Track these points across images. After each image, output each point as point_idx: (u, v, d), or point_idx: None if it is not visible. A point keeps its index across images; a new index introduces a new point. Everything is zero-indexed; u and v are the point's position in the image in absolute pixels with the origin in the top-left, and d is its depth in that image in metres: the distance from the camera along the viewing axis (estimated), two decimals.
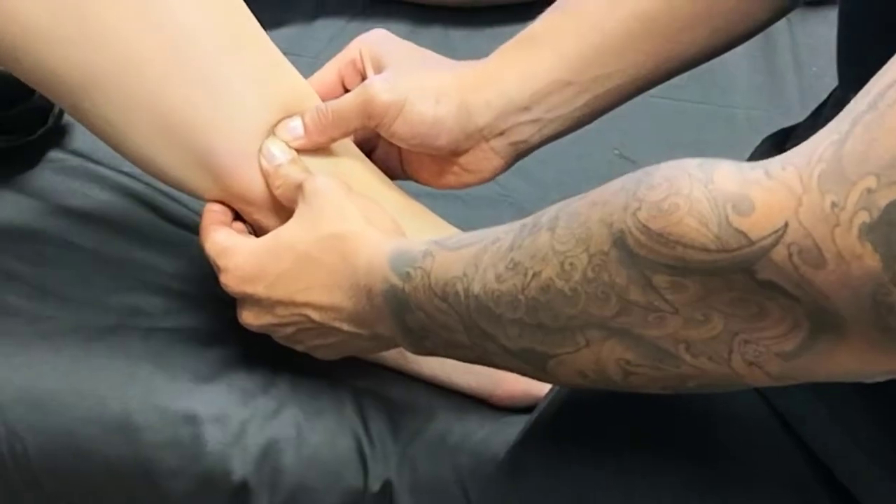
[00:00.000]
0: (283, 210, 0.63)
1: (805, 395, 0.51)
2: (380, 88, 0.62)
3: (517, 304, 0.45)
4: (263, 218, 0.65)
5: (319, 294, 0.57)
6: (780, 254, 0.36)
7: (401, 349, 0.69)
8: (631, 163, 0.84)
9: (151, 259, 0.76)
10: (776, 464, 0.52)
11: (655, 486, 0.51)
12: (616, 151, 0.86)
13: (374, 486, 0.67)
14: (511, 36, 0.66)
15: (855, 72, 0.56)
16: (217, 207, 0.65)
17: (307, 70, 0.68)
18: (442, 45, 0.99)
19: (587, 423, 0.54)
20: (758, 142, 0.75)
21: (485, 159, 0.66)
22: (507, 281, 0.46)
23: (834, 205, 0.35)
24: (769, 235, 0.37)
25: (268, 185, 0.63)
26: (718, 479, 0.51)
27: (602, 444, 0.53)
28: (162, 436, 0.67)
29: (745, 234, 0.37)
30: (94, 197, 0.79)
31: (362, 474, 0.68)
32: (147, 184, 0.80)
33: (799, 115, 0.77)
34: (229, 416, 0.68)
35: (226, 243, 0.62)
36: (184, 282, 0.75)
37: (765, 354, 0.40)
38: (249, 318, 0.61)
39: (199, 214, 0.79)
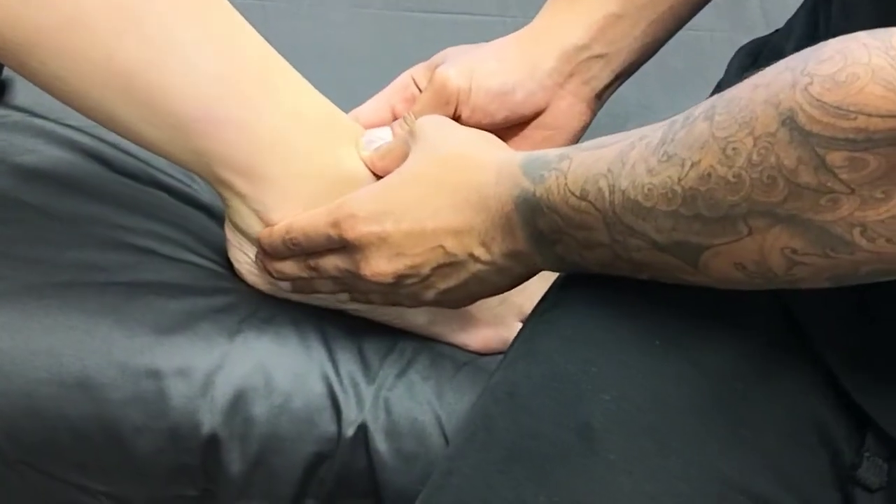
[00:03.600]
0: (262, 175, 0.61)
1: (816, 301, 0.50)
2: (445, 70, 0.65)
3: (672, 195, 0.44)
4: (241, 183, 0.62)
5: (448, 215, 0.55)
6: None
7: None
8: None
9: (103, 213, 0.73)
10: (787, 373, 0.51)
11: (656, 404, 0.50)
12: None
13: (349, 430, 0.66)
14: None
15: None
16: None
17: (257, 17, 0.66)
18: None
19: (570, 345, 0.52)
20: (725, 63, 0.74)
21: (568, 109, 0.67)
22: (660, 174, 0.44)
23: None
24: None
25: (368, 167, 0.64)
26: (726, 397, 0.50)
27: (588, 368, 0.51)
28: (124, 392, 0.65)
29: None
30: (40, 152, 0.76)
31: (336, 420, 0.66)
32: (95, 136, 0.77)
33: (763, 33, 0.76)
34: (194, 368, 0.66)
35: (332, 204, 0.59)
36: (138, 235, 0.72)
37: None
38: (381, 264, 0.57)
39: (151, 165, 0.77)
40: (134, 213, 0.74)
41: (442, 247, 0.56)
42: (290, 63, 0.65)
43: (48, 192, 0.73)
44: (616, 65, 0.67)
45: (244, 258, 0.68)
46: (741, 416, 0.49)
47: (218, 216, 0.75)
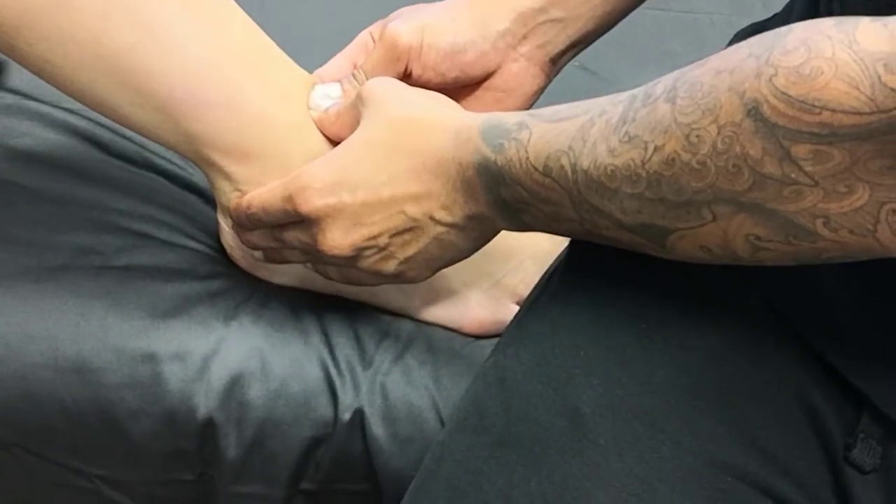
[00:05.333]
0: (250, 155, 0.61)
1: (796, 283, 0.50)
2: (396, 27, 0.63)
3: (637, 178, 0.43)
4: (229, 164, 0.62)
5: (406, 181, 0.54)
6: None
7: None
8: (592, 74, 0.81)
9: (99, 196, 0.73)
10: (772, 357, 0.51)
11: (645, 387, 0.49)
12: (576, 63, 0.83)
13: (345, 415, 0.65)
14: None
15: None
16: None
17: (253, 2, 0.65)
18: None
19: (559, 329, 0.52)
20: (724, 46, 0.74)
21: (521, 71, 0.65)
22: (622, 155, 0.44)
23: None
24: None
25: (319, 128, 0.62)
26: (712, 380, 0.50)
27: (576, 353, 0.51)
28: (120, 376, 0.65)
29: None
30: (35, 135, 0.75)
31: (332, 404, 0.66)
32: (90, 119, 0.77)
33: (762, 16, 0.75)
34: (190, 352, 0.66)
35: (287, 177, 0.58)
36: (135, 219, 0.72)
37: None
38: (337, 237, 0.56)
39: (147, 148, 0.77)
40: (129, 197, 0.74)
41: (403, 212, 0.55)
42: (286, 46, 0.65)
43: (43, 175, 0.73)
44: (573, 31, 0.65)
45: (236, 242, 0.68)
46: (731, 399, 0.49)
47: (214, 200, 0.75)
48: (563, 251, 0.60)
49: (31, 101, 0.78)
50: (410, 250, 0.56)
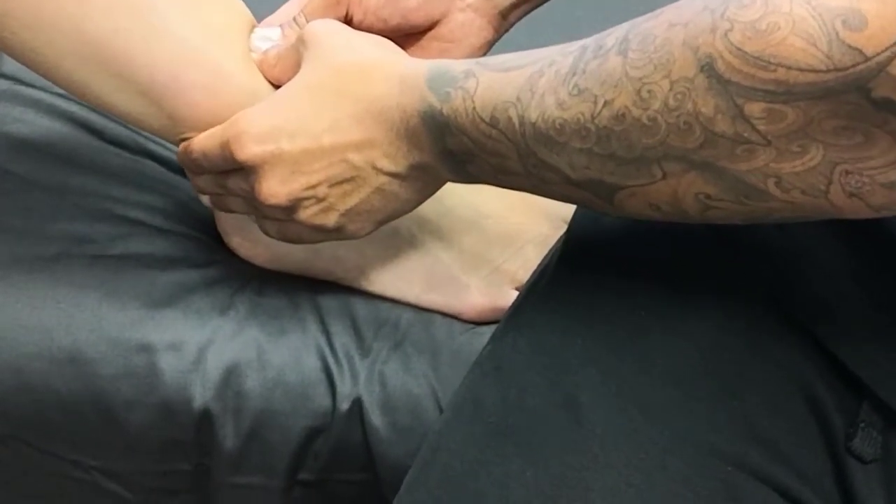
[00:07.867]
0: None
1: (794, 268, 0.49)
2: None
3: (586, 133, 0.42)
4: None
5: (348, 128, 0.52)
6: None
7: (361, 269, 0.67)
8: None
9: (93, 184, 0.72)
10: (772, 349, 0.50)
11: (643, 376, 0.48)
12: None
13: (343, 405, 0.65)
14: None
15: None
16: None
17: None
18: None
19: (556, 317, 0.51)
20: None
21: (467, 22, 0.63)
22: (571, 108, 0.42)
23: None
24: (886, 49, 0.34)
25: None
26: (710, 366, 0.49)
27: (574, 341, 0.50)
28: (115, 367, 0.64)
29: (859, 51, 0.35)
30: (28, 121, 0.75)
31: (330, 394, 0.65)
32: (84, 105, 0.76)
33: None
34: (185, 342, 0.65)
35: (228, 121, 0.56)
36: (129, 206, 0.72)
37: (868, 185, 0.37)
38: (274, 185, 0.54)
39: (142, 134, 0.76)
40: (124, 184, 0.73)
41: (344, 160, 0.53)
42: None
43: (36, 162, 0.73)
44: None
45: (233, 229, 0.67)
46: (730, 387, 0.48)
47: None
48: (561, 236, 0.59)
49: (24, 87, 0.77)
50: (351, 201, 0.55)
